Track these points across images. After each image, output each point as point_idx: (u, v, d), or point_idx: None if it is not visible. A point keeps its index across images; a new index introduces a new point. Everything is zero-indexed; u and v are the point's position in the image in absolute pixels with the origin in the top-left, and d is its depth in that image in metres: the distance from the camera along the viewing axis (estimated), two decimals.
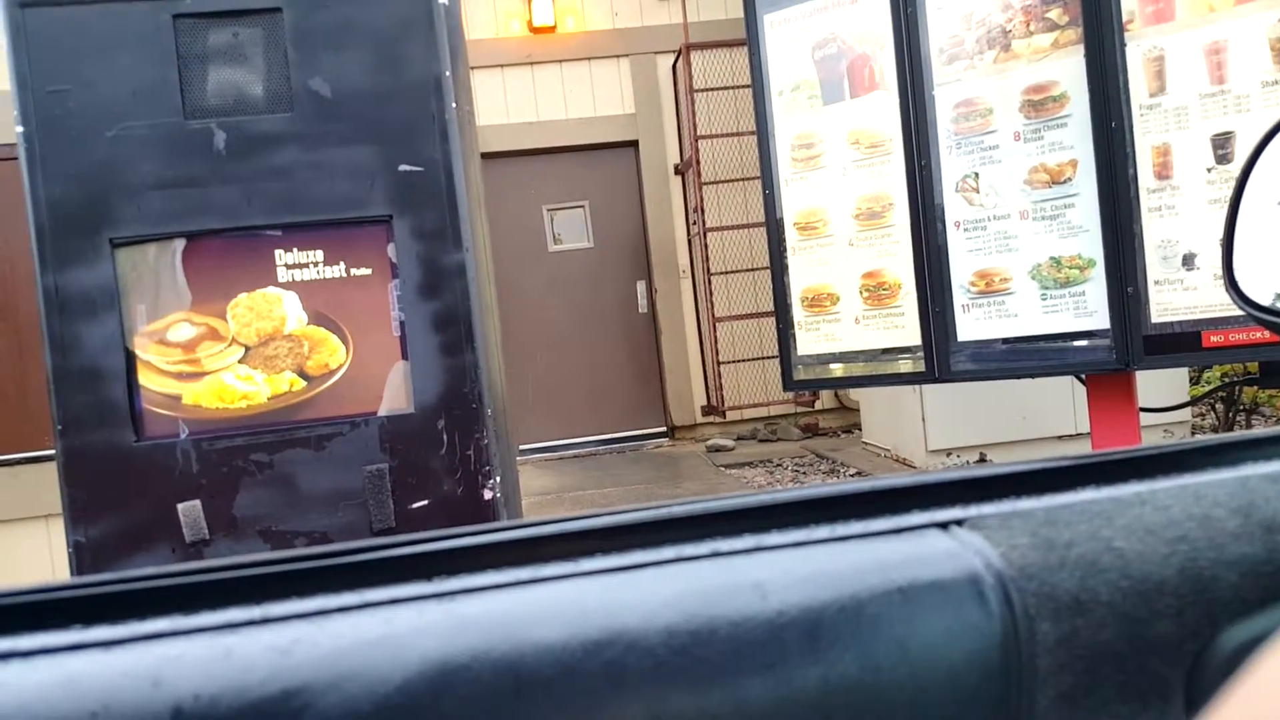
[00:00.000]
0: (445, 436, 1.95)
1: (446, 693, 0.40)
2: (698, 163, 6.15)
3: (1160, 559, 0.48)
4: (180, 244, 1.94)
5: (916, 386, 4.26)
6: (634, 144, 6.53)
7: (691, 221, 6.49)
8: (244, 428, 1.94)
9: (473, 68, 6.02)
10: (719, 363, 6.21)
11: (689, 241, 6.56)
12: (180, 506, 1.90)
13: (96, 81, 1.89)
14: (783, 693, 0.43)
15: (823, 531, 0.48)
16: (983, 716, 0.46)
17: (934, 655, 0.45)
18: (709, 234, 6.18)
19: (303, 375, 1.97)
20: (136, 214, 1.91)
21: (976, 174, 3.07)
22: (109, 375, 1.90)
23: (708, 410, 6.48)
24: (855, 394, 5.94)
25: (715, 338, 6.21)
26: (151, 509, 1.90)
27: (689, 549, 0.47)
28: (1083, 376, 3.16)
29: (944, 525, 0.49)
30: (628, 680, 0.42)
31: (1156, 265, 2.79)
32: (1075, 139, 2.91)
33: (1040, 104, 2.97)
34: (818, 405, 6.43)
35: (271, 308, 1.96)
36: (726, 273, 6.26)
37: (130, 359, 1.93)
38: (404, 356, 1.97)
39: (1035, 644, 0.46)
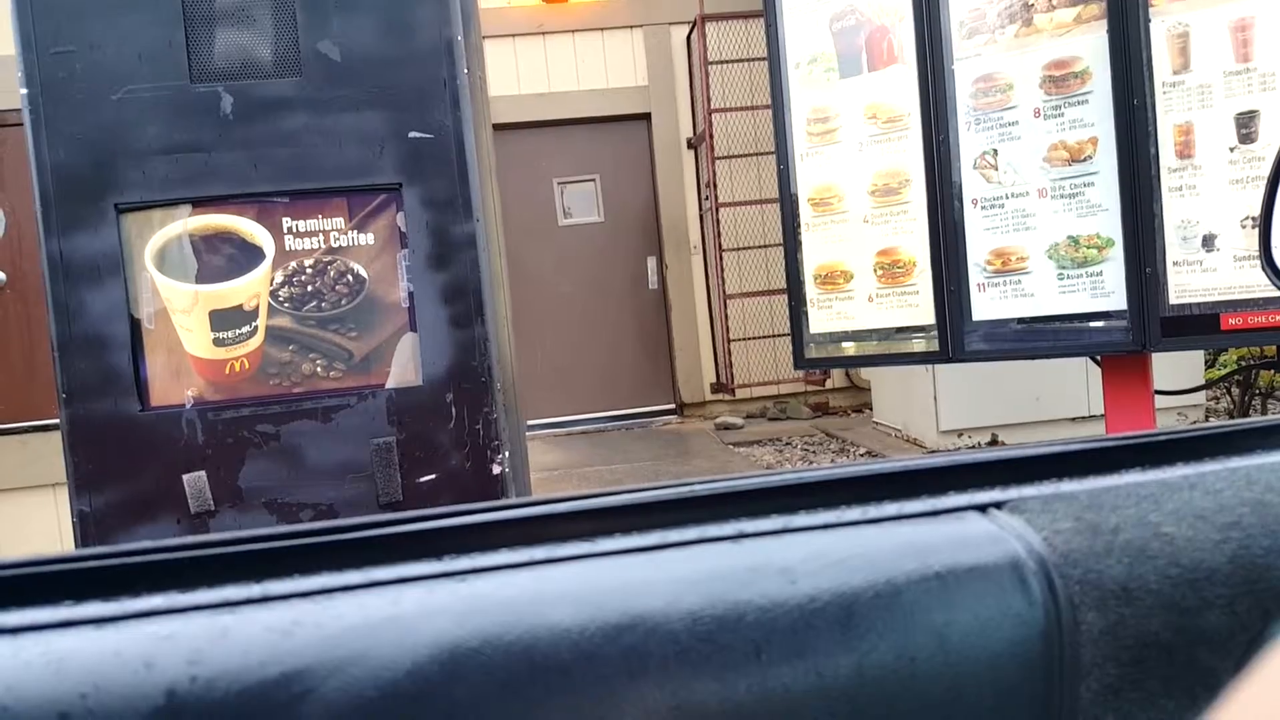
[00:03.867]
0: (454, 410, 1.93)
1: (457, 678, 0.38)
2: (711, 137, 6.08)
3: (1211, 546, 0.45)
4: (186, 210, 1.91)
5: (929, 366, 4.22)
6: (646, 117, 6.47)
7: (704, 197, 6.43)
8: (250, 398, 1.92)
9: (484, 36, 5.97)
10: (729, 340, 6.18)
11: (700, 217, 6.51)
12: (185, 477, 1.89)
13: (102, 43, 1.85)
14: (813, 683, 0.41)
15: (854, 513, 0.46)
16: (1023, 709, 0.43)
17: (973, 645, 0.43)
18: (721, 209, 6.13)
19: None
20: (142, 179, 1.88)
21: (995, 151, 3.02)
22: (114, 343, 1.88)
23: (717, 388, 6.45)
24: (866, 373, 5.90)
25: (726, 315, 6.18)
26: (157, 479, 1.89)
27: (713, 529, 0.44)
28: (1098, 358, 3.12)
29: (982, 508, 0.47)
30: (649, 667, 0.40)
31: (1176, 246, 2.74)
32: (1096, 116, 2.85)
33: (1061, 80, 2.91)
34: (828, 384, 6.39)
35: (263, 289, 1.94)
36: (738, 249, 6.21)
37: (135, 327, 1.91)
38: (412, 328, 1.95)
39: (1079, 634, 0.44)
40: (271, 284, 1.95)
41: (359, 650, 0.38)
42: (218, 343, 1.94)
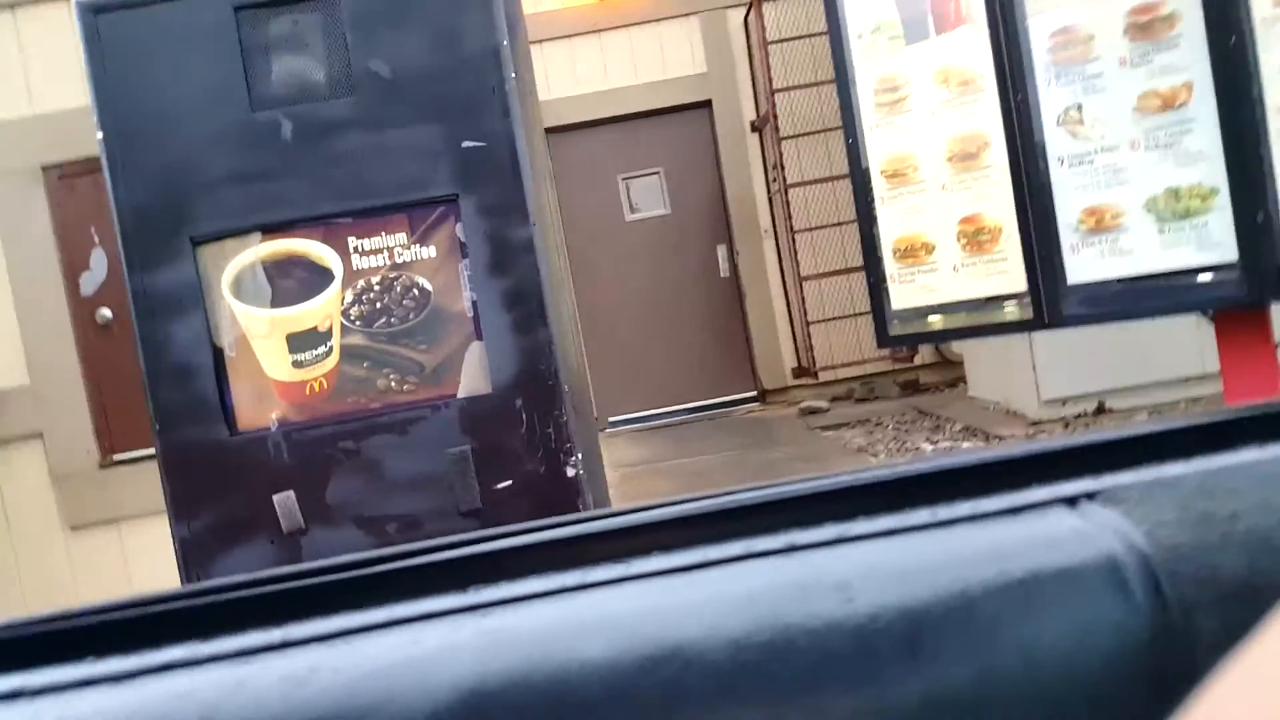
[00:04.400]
0: (524, 415, 1.93)
1: None
2: (775, 117, 5.97)
3: None
4: (256, 238, 1.95)
5: (1026, 335, 4.05)
6: (707, 104, 6.38)
7: (771, 179, 6.32)
8: (330, 417, 1.95)
9: (540, 40, 5.96)
10: (808, 322, 6.06)
11: (769, 200, 6.40)
12: (276, 498, 1.92)
13: (167, 80, 1.91)
14: (875, 713, 0.35)
15: (920, 515, 0.40)
16: None
17: (1065, 661, 0.37)
18: (790, 190, 6.01)
19: None
20: (213, 210, 1.93)
21: (1080, 105, 2.86)
22: (199, 372, 1.93)
23: (798, 372, 6.34)
24: (958, 347, 5.71)
25: (803, 297, 6.06)
26: (249, 501, 1.93)
27: (760, 543, 0.40)
28: (1209, 313, 2.94)
29: (1071, 501, 0.41)
30: (688, 703, 0.36)
31: None
32: (1189, 60, 2.68)
33: (1147, 26, 2.75)
34: (917, 361, 6.22)
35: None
36: (811, 229, 6.08)
37: (219, 355, 1.95)
38: (478, 337, 1.95)
39: (1194, 642, 0.37)
40: (342, 304, 1.96)
41: (377, 697, 0.35)
42: (296, 365, 1.97)
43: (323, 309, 1.96)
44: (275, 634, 0.38)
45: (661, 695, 0.35)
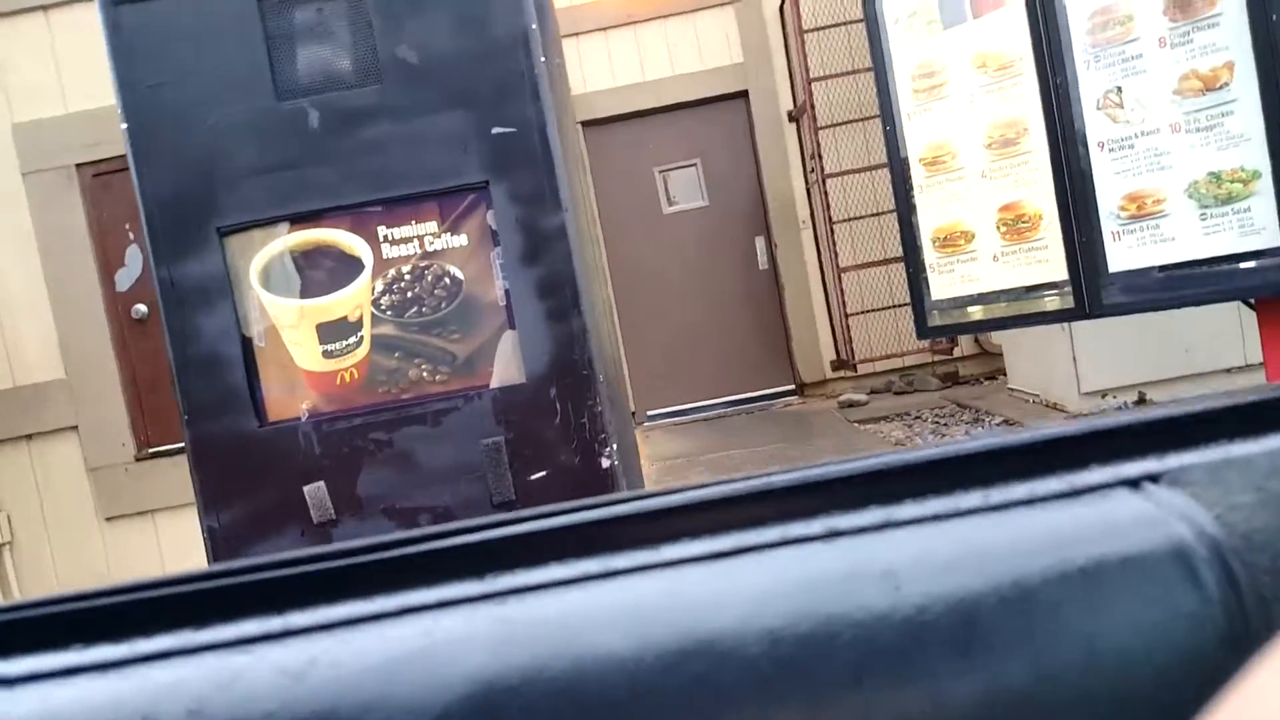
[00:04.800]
0: (558, 406, 1.91)
1: None
2: (812, 107, 5.91)
3: None
4: (284, 228, 1.94)
5: (1065, 325, 3.98)
6: (744, 94, 6.34)
7: (809, 169, 6.26)
8: (362, 407, 1.94)
9: (575, 34, 5.96)
10: (846, 315, 6.00)
11: (807, 191, 6.35)
12: (306, 489, 1.92)
13: (191, 71, 1.90)
14: (927, 714, 0.33)
15: (972, 498, 0.37)
16: None
17: (1131, 658, 0.34)
18: (828, 180, 5.95)
19: None
20: (240, 201, 1.92)
21: (1119, 88, 2.80)
22: (228, 363, 1.93)
23: (837, 365, 6.28)
24: (997, 337, 5.63)
25: (841, 289, 6.00)
26: (279, 492, 1.93)
27: (798, 528, 0.37)
28: (1252, 302, 2.87)
29: (1134, 483, 0.38)
30: (720, 700, 0.33)
31: None
32: (1230, 39, 2.61)
33: (1187, 4, 2.68)
34: (956, 352, 6.14)
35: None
36: (849, 220, 6.02)
37: (248, 346, 1.94)
38: (511, 326, 1.94)
39: (1273, 635, 0.34)
40: (373, 293, 1.96)
41: (382, 692, 0.33)
42: (326, 355, 1.97)
43: (353, 298, 1.96)
44: (275, 622, 0.36)
45: (691, 691, 0.33)
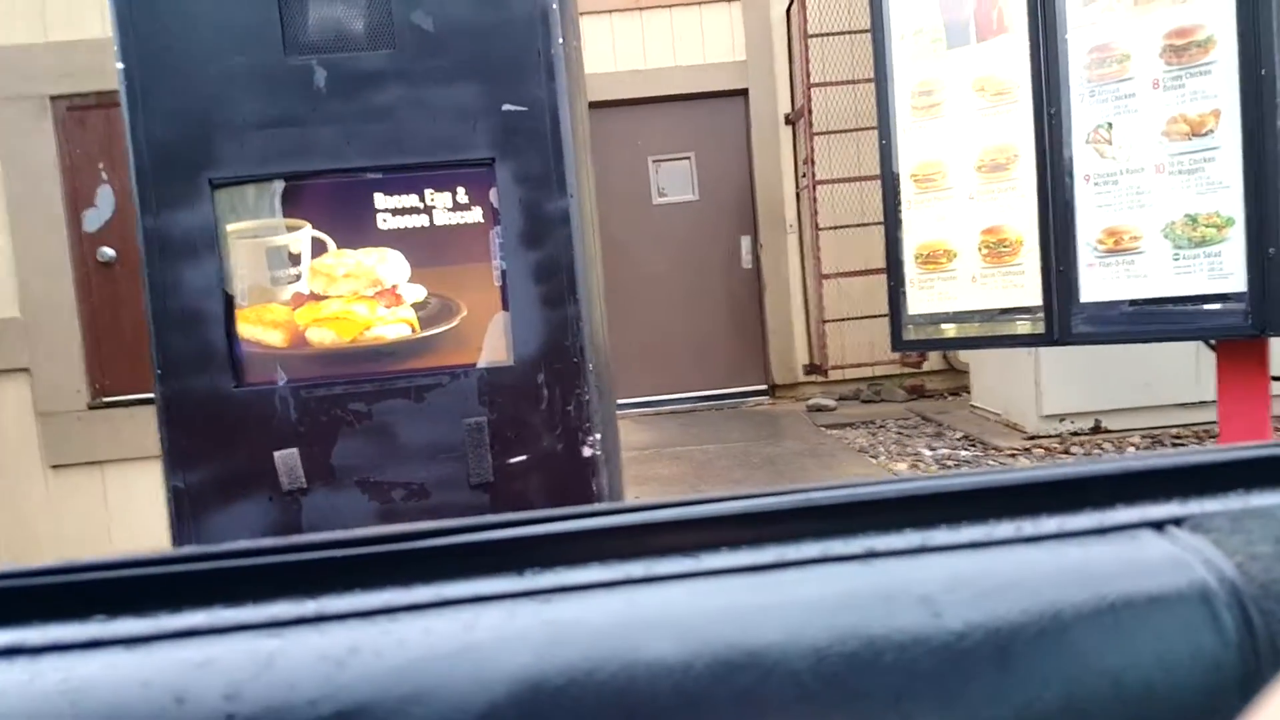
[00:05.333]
0: (545, 391, 1.89)
1: None
2: (809, 112, 5.96)
3: None
4: (279, 186, 1.90)
5: (1032, 349, 4.07)
6: (744, 93, 6.37)
7: (801, 174, 6.32)
8: (343, 377, 1.91)
9: (580, 13, 5.95)
10: (823, 321, 6.07)
11: (797, 195, 6.40)
12: (276, 455, 1.88)
13: (196, 17, 1.84)
14: None
15: (1005, 529, 0.39)
16: None
17: (1156, 692, 0.35)
18: (819, 187, 6.01)
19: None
20: (236, 154, 1.86)
21: (1110, 124, 2.87)
22: (208, 319, 1.87)
23: (809, 369, 6.36)
24: (965, 355, 5.73)
25: (821, 295, 6.07)
26: (250, 456, 1.88)
27: (836, 546, 0.38)
28: (1213, 342, 2.96)
29: (1158, 525, 0.39)
30: (767, 713, 0.33)
31: None
32: (1220, 88, 2.69)
33: (1183, 49, 2.75)
34: (925, 366, 6.23)
35: (375, 266, 1.93)
36: (835, 228, 6.08)
37: (229, 304, 1.90)
38: (504, 307, 1.91)
39: None
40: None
41: (425, 686, 0.32)
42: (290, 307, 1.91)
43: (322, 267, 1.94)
44: (308, 605, 0.35)
45: (738, 703, 0.33)
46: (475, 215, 1.93)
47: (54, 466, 4.46)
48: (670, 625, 0.35)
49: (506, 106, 1.87)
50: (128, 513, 4.38)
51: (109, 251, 4.46)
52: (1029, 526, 0.39)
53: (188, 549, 0.38)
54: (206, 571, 0.36)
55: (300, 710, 0.32)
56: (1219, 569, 0.37)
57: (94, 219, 4.48)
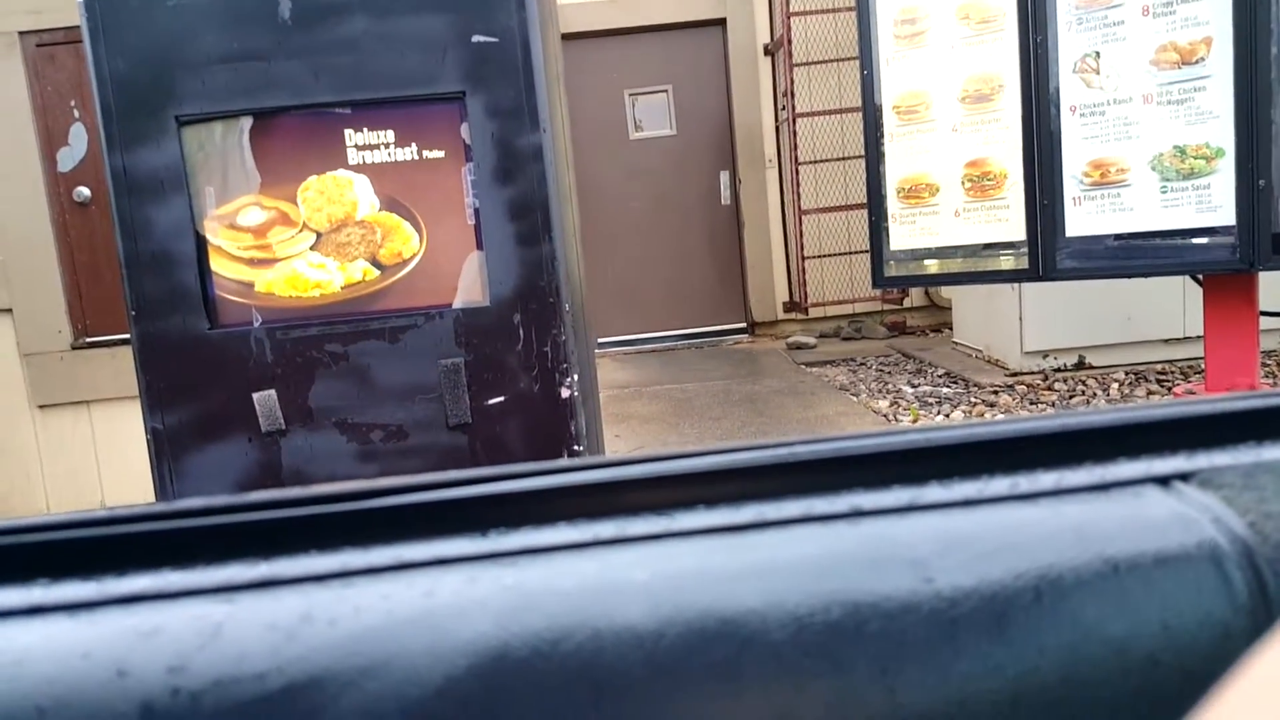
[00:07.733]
0: (521, 331, 1.88)
1: (501, 697, 0.30)
2: (789, 42, 5.84)
3: None
4: (247, 122, 1.86)
5: (1015, 285, 4.05)
6: (721, 22, 6.23)
7: (780, 107, 6.21)
8: (318, 318, 1.90)
9: None
10: (803, 257, 6.02)
11: (776, 128, 6.30)
12: (255, 396, 1.88)
13: None
14: (955, 711, 0.31)
15: (999, 485, 0.36)
16: None
17: (1161, 661, 0.32)
18: (798, 120, 5.91)
19: (375, 264, 1.91)
20: (202, 90, 1.82)
21: (1098, 53, 2.80)
22: (180, 260, 1.86)
23: (789, 307, 6.33)
24: (947, 292, 5.71)
25: (800, 231, 6.01)
26: (228, 398, 1.88)
27: (820, 504, 0.35)
28: (1199, 277, 2.94)
29: (1163, 480, 0.36)
30: (744, 683, 0.31)
31: None
32: (1211, 13, 2.63)
33: None
34: (906, 303, 6.22)
35: (342, 192, 1.89)
36: (815, 162, 6.01)
37: (201, 243, 1.87)
38: (478, 246, 1.89)
39: None
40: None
41: (381, 657, 0.30)
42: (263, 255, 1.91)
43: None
44: (260, 568, 0.33)
45: (714, 673, 0.31)
46: (446, 151, 1.89)
47: (41, 406, 4.49)
48: (641, 591, 0.32)
49: (477, 38, 1.82)
50: (116, 452, 4.42)
51: (85, 191, 4.40)
52: (1025, 483, 0.36)
53: (136, 507, 0.36)
54: (155, 532, 0.35)
55: (247, 684, 0.30)
56: (1230, 528, 0.35)
57: (68, 158, 4.42)
